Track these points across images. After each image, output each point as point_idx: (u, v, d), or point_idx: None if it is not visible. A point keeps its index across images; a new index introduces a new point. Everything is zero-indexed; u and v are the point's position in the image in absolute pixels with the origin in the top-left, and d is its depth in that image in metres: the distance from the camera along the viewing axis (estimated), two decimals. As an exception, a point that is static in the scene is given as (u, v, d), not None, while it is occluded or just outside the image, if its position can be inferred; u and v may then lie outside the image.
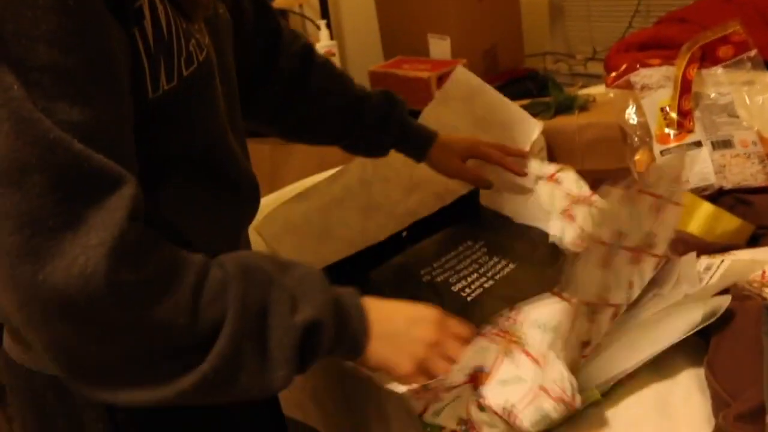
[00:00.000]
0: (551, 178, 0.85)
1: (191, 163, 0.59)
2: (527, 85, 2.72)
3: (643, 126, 1.04)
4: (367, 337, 0.59)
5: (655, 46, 2.18)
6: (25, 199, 0.43)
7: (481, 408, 0.60)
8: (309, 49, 0.89)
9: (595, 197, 0.84)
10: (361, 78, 2.57)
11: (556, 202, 0.76)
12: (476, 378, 0.61)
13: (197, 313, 0.49)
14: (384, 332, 0.59)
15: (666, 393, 0.65)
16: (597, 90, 1.44)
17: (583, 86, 2.22)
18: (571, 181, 0.86)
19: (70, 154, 0.45)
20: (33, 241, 0.43)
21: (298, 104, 0.88)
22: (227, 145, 0.63)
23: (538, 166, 0.88)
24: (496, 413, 0.59)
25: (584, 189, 0.86)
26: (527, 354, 0.61)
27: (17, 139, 0.43)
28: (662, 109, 1.01)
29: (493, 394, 0.59)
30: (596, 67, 3.19)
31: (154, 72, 0.52)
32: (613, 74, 1.08)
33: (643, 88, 1.05)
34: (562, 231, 0.71)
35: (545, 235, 0.83)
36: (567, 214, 0.74)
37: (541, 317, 0.63)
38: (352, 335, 0.59)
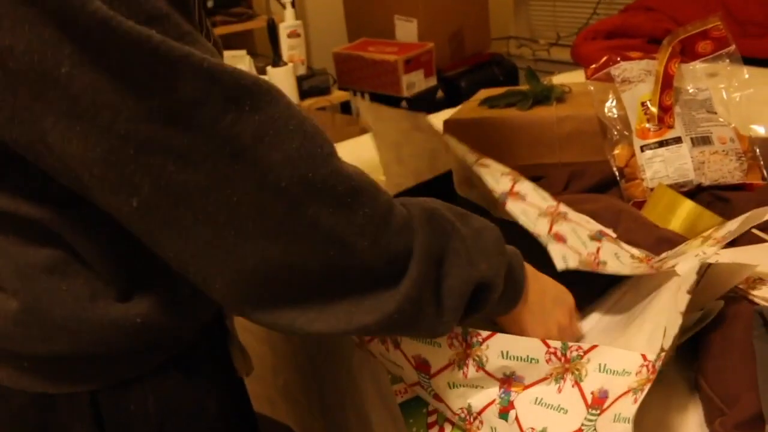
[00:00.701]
0: (513, 194, 0.81)
1: None
2: (493, 70, 2.71)
3: (623, 120, 1.03)
4: (522, 302, 0.62)
5: (621, 35, 2.20)
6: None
7: (503, 415, 0.58)
8: None
9: (563, 208, 0.81)
10: (325, 59, 2.54)
11: (538, 223, 0.73)
12: (507, 381, 0.59)
13: (380, 241, 0.49)
14: (534, 302, 0.63)
15: (657, 399, 0.64)
16: (572, 80, 1.43)
17: (550, 73, 2.22)
18: (531, 192, 0.82)
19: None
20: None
21: None
22: None
23: (493, 180, 0.83)
24: (521, 429, 0.57)
25: (546, 197, 0.82)
26: (580, 390, 0.57)
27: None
28: (643, 104, 1.00)
29: (527, 409, 0.57)
30: (559, 53, 3.21)
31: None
32: (593, 66, 1.07)
33: (623, 81, 1.04)
34: (565, 258, 0.68)
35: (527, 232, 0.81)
36: (556, 236, 0.71)
37: (612, 365, 0.58)
38: (513, 297, 0.61)
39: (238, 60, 2.02)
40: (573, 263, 0.67)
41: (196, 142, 0.42)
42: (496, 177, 0.81)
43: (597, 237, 0.75)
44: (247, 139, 0.43)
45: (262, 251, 0.45)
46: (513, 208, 0.75)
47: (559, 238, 0.71)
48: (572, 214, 0.80)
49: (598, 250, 0.72)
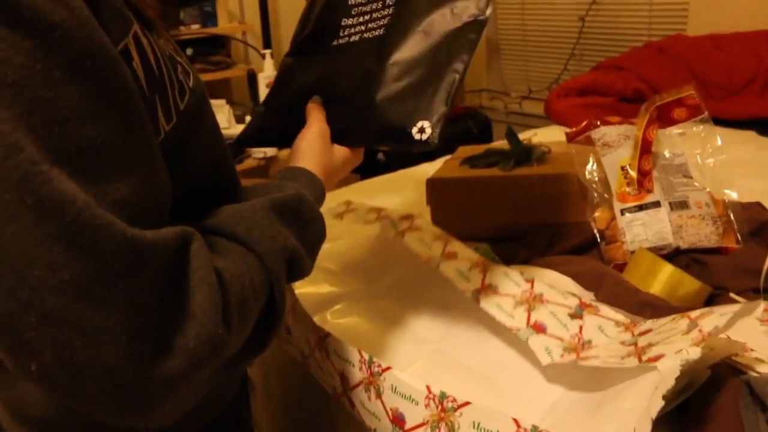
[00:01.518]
0: (485, 288, 0.80)
1: (202, 196, 0.57)
2: (468, 123, 2.77)
3: (603, 183, 1.05)
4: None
5: (593, 92, 2.27)
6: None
7: None
8: None
9: (538, 288, 0.80)
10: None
11: (515, 315, 0.74)
12: None
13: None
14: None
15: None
16: (548, 136, 1.47)
17: (523, 125, 2.27)
18: (502, 280, 0.81)
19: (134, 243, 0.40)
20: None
21: None
22: (232, 172, 0.64)
23: (462, 278, 0.82)
24: None
25: (518, 281, 0.81)
26: None
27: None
28: (622, 168, 1.03)
29: None
30: (531, 106, 3.28)
31: (153, 115, 0.48)
32: (574, 130, 1.10)
33: (603, 145, 1.06)
34: (548, 349, 0.69)
35: None
36: (536, 327, 0.72)
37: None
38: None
39: (218, 109, 2.03)
40: (557, 354, 0.69)
41: None
42: (465, 273, 0.82)
43: (578, 313, 0.76)
44: None
45: None
46: (487, 305, 0.76)
47: (539, 328, 0.72)
48: (548, 292, 0.80)
49: (580, 329, 0.73)
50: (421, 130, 0.70)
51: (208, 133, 0.58)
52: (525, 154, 1.18)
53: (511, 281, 0.79)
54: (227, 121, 2.16)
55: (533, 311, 0.73)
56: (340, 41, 0.81)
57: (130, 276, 0.39)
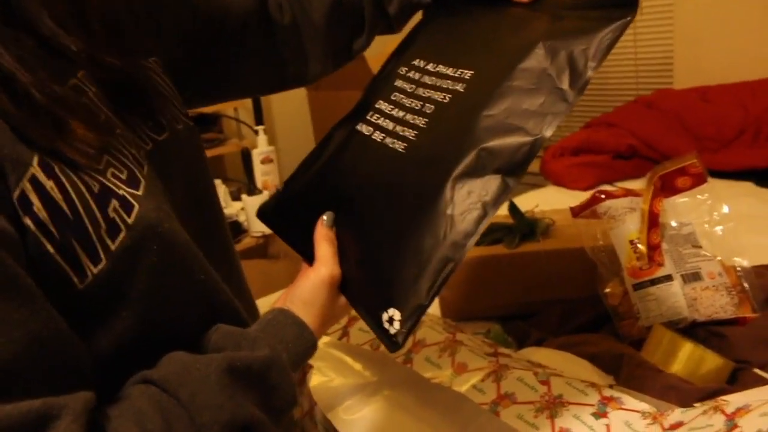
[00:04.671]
0: (501, 398, 0.75)
1: (185, 330, 0.54)
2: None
3: (612, 257, 1.04)
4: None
5: (587, 151, 2.27)
6: None
7: None
8: None
9: (555, 388, 0.76)
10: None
11: (537, 423, 0.71)
12: None
13: None
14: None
15: None
16: (546, 199, 1.46)
17: (525, 186, 2.26)
18: (519, 387, 0.76)
19: None
20: None
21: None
22: (215, 295, 0.58)
23: (477, 392, 0.76)
24: None
25: (535, 385, 0.76)
26: None
27: None
28: (631, 242, 1.01)
29: None
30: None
31: (71, 259, 0.46)
32: (579, 204, 1.09)
33: (609, 218, 1.05)
34: None
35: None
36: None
37: None
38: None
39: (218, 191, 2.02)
40: None
41: None
42: (479, 387, 0.78)
43: (601, 411, 0.73)
44: None
45: None
46: (507, 417, 0.73)
47: None
48: (567, 392, 0.76)
49: (608, 428, 0.70)
50: (390, 321, 0.59)
51: (166, 264, 0.52)
52: (530, 228, 1.17)
53: (527, 386, 0.76)
54: (223, 201, 2.15)
55: (556, 418, 0.71)
56: (363, 127, 0.72)
57: None
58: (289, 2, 0.82)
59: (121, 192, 0.49)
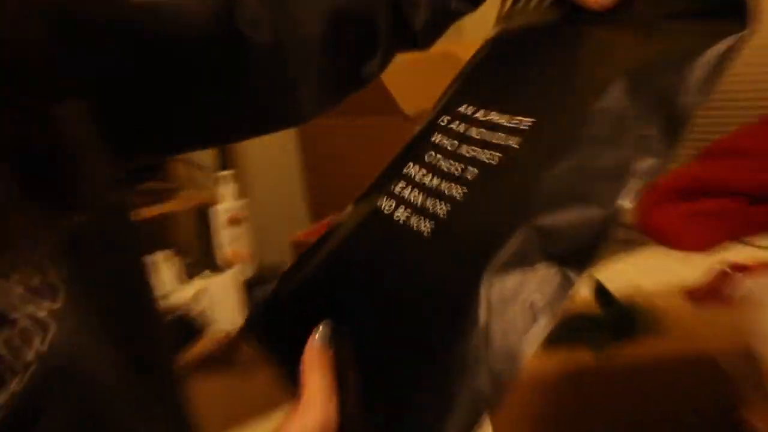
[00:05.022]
0: None
1: None
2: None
3: (755, 365, 1.00)
4: None
5: (703, 192, 2.24)
6: None
7: None
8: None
9: None
10: (281, 249, 2.56)
11: None
12: None
13: None
14: None
15: None
16: (651, 274, 1.41)
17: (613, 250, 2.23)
18: None
19: None
20: None
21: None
22: None
23: None
24: None
25: None
26: None
27: None
28: (785, 343, 0.97)
29: None
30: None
31: None
32: (698, 284, 1.07)
33: (746, 305, 1.02)
34: None
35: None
36: None
37: None
38: None
39: (160, 264, 2.03)
40: None
41: None
42: None
43: None
44: None
45: None
46: None
47: None
48: None
49: None
50: None
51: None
52: (627, 321, 1.16)
53: None
54: (177, 278, 2.14)
55: None
56: (384, 202, 0.74)
57: None
58: (269, 15, 0.84)
59: (24, 322, 0.52)
